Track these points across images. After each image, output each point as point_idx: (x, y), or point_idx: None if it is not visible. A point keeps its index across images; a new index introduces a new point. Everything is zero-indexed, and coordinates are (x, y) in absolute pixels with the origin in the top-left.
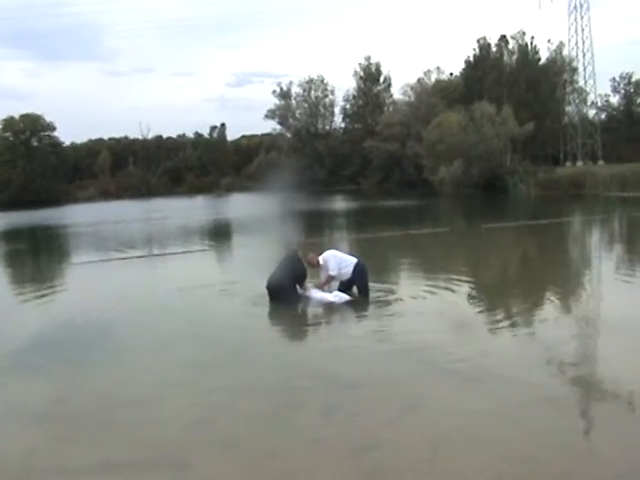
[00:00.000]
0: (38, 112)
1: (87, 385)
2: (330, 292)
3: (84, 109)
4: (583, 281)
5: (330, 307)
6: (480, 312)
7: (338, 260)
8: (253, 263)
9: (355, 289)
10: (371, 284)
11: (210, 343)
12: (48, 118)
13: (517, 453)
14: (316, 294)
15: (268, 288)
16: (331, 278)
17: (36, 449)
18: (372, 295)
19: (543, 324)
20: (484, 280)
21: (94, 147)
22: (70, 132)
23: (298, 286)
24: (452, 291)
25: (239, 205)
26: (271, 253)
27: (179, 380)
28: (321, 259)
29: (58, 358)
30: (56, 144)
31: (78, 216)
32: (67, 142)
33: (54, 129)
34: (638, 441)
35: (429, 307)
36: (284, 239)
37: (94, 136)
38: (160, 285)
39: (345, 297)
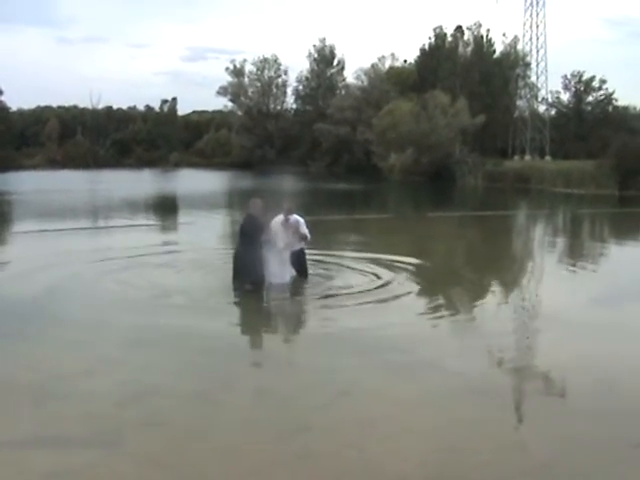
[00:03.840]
0: None
1: (20, 359)
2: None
3: (34, 75)
4: (525, 272)
5: (274, 287)
6: (420, 301)
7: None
8: (200, 237)
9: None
10: (312, 268)
11: (147, 320)
12: None
13: (443, 442)
14: (271, 264)
15: (236, 272)
16: (305, 238)
17: None
18: (312, 280)
19: (482, 314)
20: (426, 268)
21: (42, 114)
22: (18, 98)
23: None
24: (393, 278)
25: (187, 181)
26: (217, 228)
27: (113, 356)
28: (295, 217)
29: None
30: (2, 109)
31: (23, 184)
32: (14, 107)
33: (1, 93)
34: (564, 431)
35: (369, 294)
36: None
37: (43, 103)
38: (101, 258)
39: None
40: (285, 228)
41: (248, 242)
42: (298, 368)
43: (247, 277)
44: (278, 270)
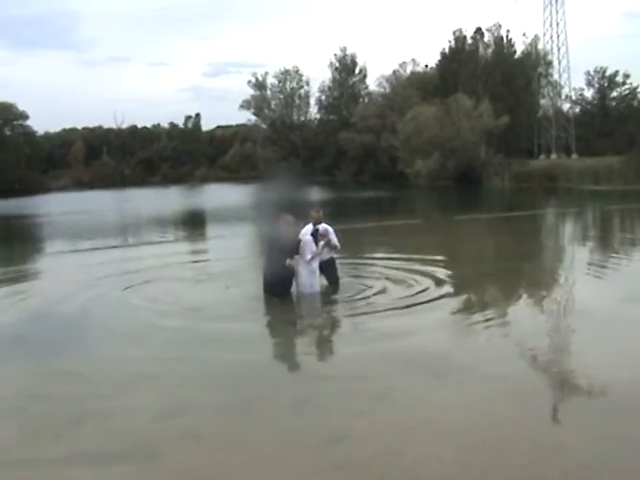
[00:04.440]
0: (11, 101)
1: (57, 377)
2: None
3: (58, 98)
4: (556, 273)
5: (305, 297)
6: (454, 305)
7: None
8: (229, 252)
9: (323, 279)
10: (343, 276)
11: (181, 335)
12: (21, 107)
13: (483, 445)
14: (301, 275)
15: (266, 286)
16: (335, 247)
17: (6, 442)
18: (345, 288)
19: (517, 315)
20: (458, 271)
21: (68, 136)
22: (44, 121)
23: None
24: (424, 284)
25: (214, 196)
26: (247, 243)
27: (149, 372)
28: (324, 226)
29: (28, 350)
30: (29, 133)
31: (52, 206)
32: (40, 131)
33: (27, 118)
34: (604, 431)
35: (401, 300)
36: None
37: (68, 125)
38: (132, 275)
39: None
40: (315, 238)
41: (276, 257)
42: (333, 377)
43: (275, 292)
44: (308, 280)
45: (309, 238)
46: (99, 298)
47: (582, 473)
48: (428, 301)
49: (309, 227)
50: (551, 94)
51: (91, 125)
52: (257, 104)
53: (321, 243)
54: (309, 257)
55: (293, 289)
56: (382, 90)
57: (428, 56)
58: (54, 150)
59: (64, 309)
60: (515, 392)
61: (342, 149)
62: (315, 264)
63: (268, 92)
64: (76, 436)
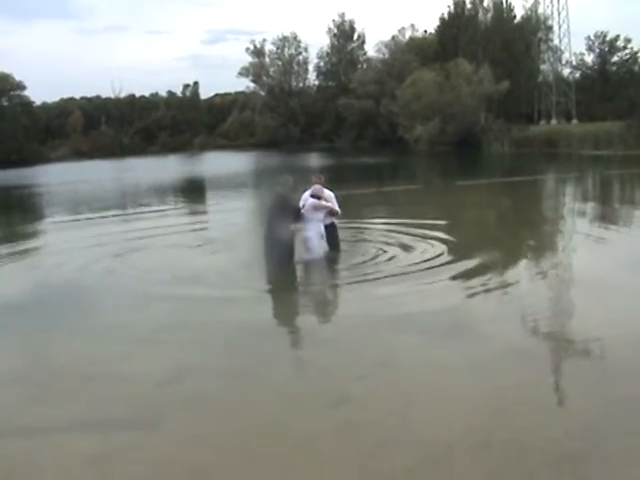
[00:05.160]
0: (7, 71)
1: (59, 344)
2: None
3: (56, 68)
4: (557, 238)
5: (311, 263)
6: (454, 270)
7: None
8: (228, 219)
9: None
10: (346, 241)
11: (182, 302)
12: (18, 77)
13: (486, 407)
14: (312, 240)
15: (267, 256)
16: (336, 213)
17: (7, 409)
18: (348, 253)
19: (517, 280)
20: (457, 237)
21: (66, 106)
22: (41, 91)
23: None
24: (425, 248)
25: (213, 163)
26: (246, 208)
27: (150, 338)
28: (327, 191)
29: (30, 318)
30: (26, 104)
31: (51, 176)
32: (38, 102)
33: (24, 88)
34: (607, 392)
35: (402, 265)
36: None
37: (66, 95)
38: (134, 244)
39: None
40: (319, 200)
41: (277, 222)
42: (335, 343)
43: (275, 258)
44: (317, 244)
45: (312, 200)
46: (96, 266)
47: (586, 434)
48: (430, 266)
49: (308, 192)
50: (551, 59)
51: (89, 95)
52: (255, 71)
53: (322, 204)
54: (316, 218)
55: (297, 257)
56: (381, 56)
57: (427, 21)
58: (52, 120)
59: (62, 277)
60: (519, 355)
61: (341, 115)
62: (322, 228)
63: (266, 59)
64: (80, 404)
